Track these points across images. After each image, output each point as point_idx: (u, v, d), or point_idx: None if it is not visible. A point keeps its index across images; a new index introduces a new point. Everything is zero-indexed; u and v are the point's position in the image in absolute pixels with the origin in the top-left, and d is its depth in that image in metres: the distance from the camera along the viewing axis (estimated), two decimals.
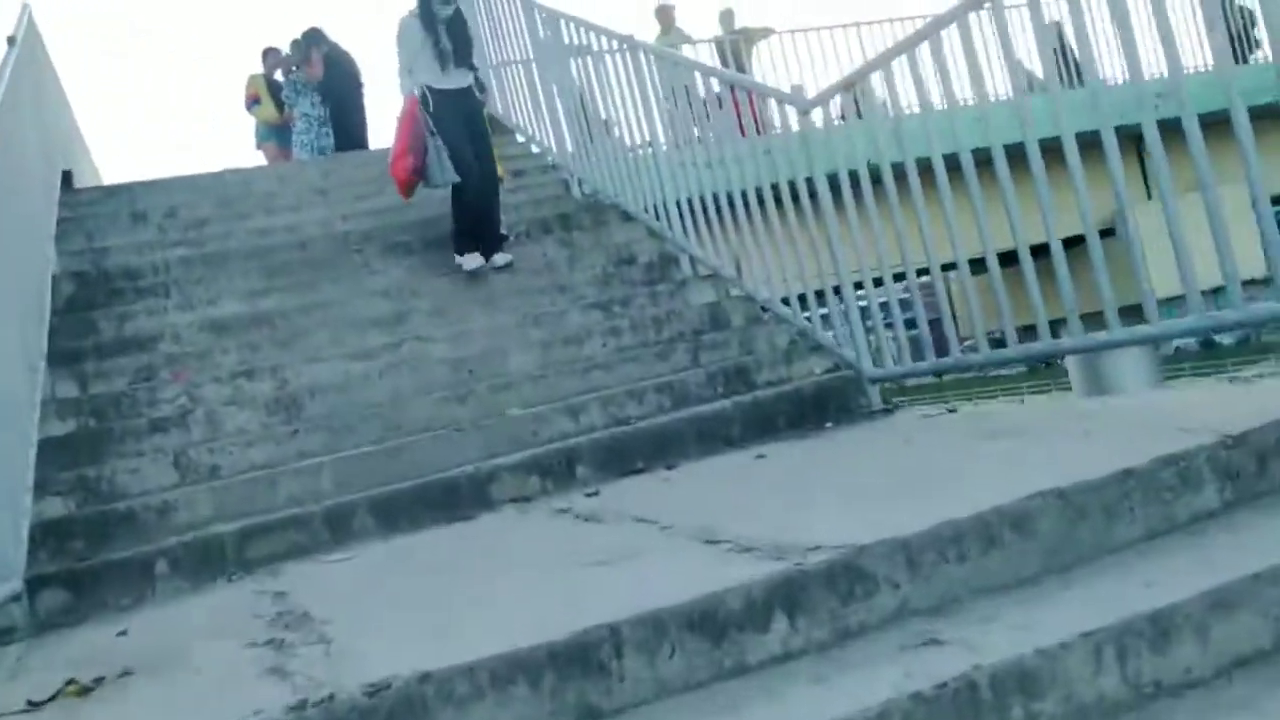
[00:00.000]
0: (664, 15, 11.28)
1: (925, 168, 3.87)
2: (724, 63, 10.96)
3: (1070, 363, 16.51)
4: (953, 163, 3.66)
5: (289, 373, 4.80)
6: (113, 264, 6.03)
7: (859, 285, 4.61)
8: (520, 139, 8.06)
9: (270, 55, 10.40)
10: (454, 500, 3.81)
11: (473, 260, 5.73)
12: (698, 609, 2.08)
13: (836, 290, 4.58)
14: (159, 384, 4.70)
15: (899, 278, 4.28)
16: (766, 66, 11.26)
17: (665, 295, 5.45)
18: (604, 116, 7.29)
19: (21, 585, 3.24)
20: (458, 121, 5.68)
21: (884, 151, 4.11)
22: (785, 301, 4.96)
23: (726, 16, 11.47)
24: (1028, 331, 3.78)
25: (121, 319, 5.37)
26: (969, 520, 2.30)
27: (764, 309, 5.08)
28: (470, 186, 5.79)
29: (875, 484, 3.03)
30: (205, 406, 4.53)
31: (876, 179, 4.17)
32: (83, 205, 6.91)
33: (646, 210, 6.06)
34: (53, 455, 4.09)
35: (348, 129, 9.61)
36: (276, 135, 10.25)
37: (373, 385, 4.65)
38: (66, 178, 7.16)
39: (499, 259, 5.80)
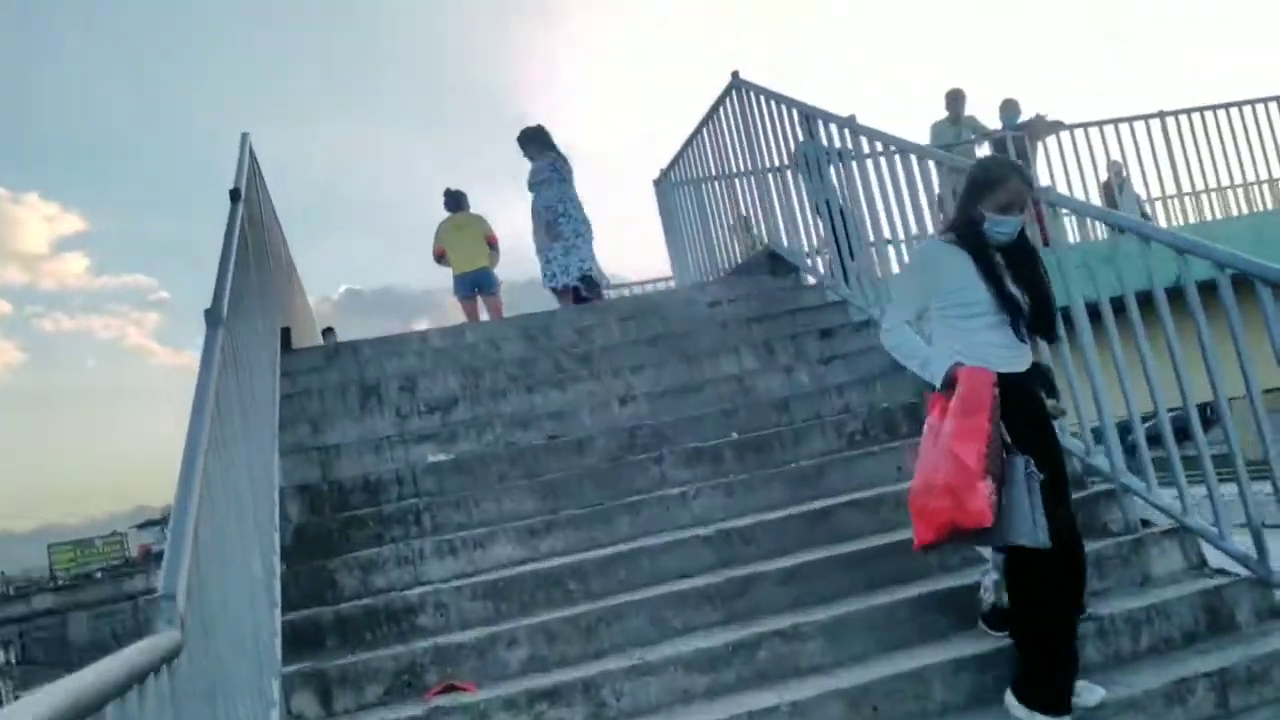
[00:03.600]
0: (954, 102, 9.70)
1: None
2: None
3: None
4: None
5: (608, 692, 3.35)
6: (346, 473, 4.78)
7: None
8: (810, 280, 6.57)
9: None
10: None
11: None
12: None
13: None
14: (429, 710, 3.30)
15: None
16: (1055, 165, 9.51)
17: (1114, 563, 3.80)
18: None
19: None
20: (1027, 434, 3.09)
21: None
22: None
23: (1009, 107, 9.81)
24: None
25: (365, 570, 4.06)
26: None
27: None
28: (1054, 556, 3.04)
29: None
30: None
31: None
32: (302, 374, 5.74)
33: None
34: None
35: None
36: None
37: None
38: (284, 336, 6.02)
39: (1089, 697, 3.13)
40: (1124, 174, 10.26)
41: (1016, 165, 3.30)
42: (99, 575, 43.48)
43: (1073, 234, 8.94)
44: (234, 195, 4.71)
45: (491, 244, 8.72)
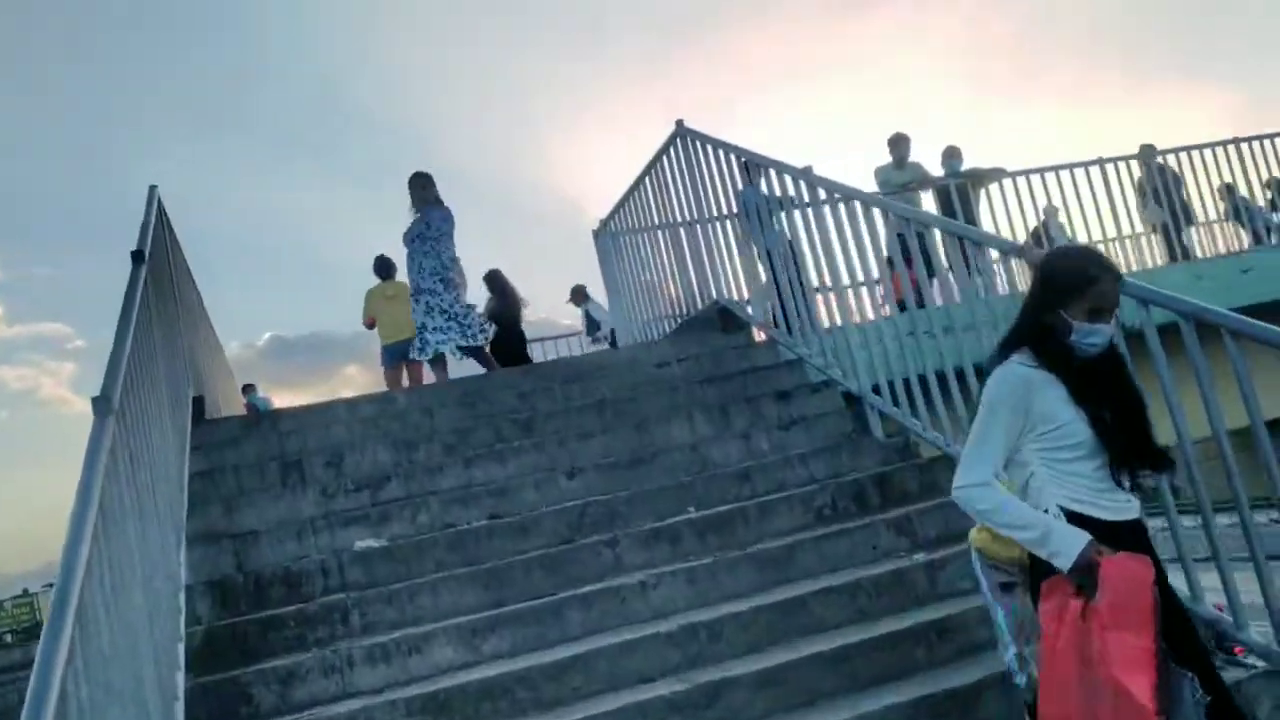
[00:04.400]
0: (898, 145, 9.44)
1: None
2: (948, 207, 9.13)
3: None
4: None
5: None
6: (264, 563, 4.30)
7: None
8: (760, 336, 6.25)
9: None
10: None
11: None
12: None
13: None
14: None
15: None
16: (998, 212, 9.36)
17: None
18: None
19: None
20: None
21: None
22: None
23: (952, 154, 9.65)
24: None
25: (285, 682, 3.58)
26: None
27: None
28: None
29: None
30: None
31: None
32: (217, 448, 5.23)
33: None
34: None
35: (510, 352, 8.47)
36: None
37: None
38: (197, 407, 5.52)
39: None
40: (1057, 218, 10.19)
41: (1105, 260, 2.61)
42: (8, 639, 41.49)
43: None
44: (137, 258, 4.24)
45: None
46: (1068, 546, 2.37)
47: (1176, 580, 3.39)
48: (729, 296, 6.36)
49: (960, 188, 9.31)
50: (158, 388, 3.96)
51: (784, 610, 3.74)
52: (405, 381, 8.14)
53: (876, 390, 4.96)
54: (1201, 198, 10.14)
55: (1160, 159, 10.11)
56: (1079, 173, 9.71)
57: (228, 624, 3.89)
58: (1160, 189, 9.90)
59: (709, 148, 6.21)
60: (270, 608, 4.01)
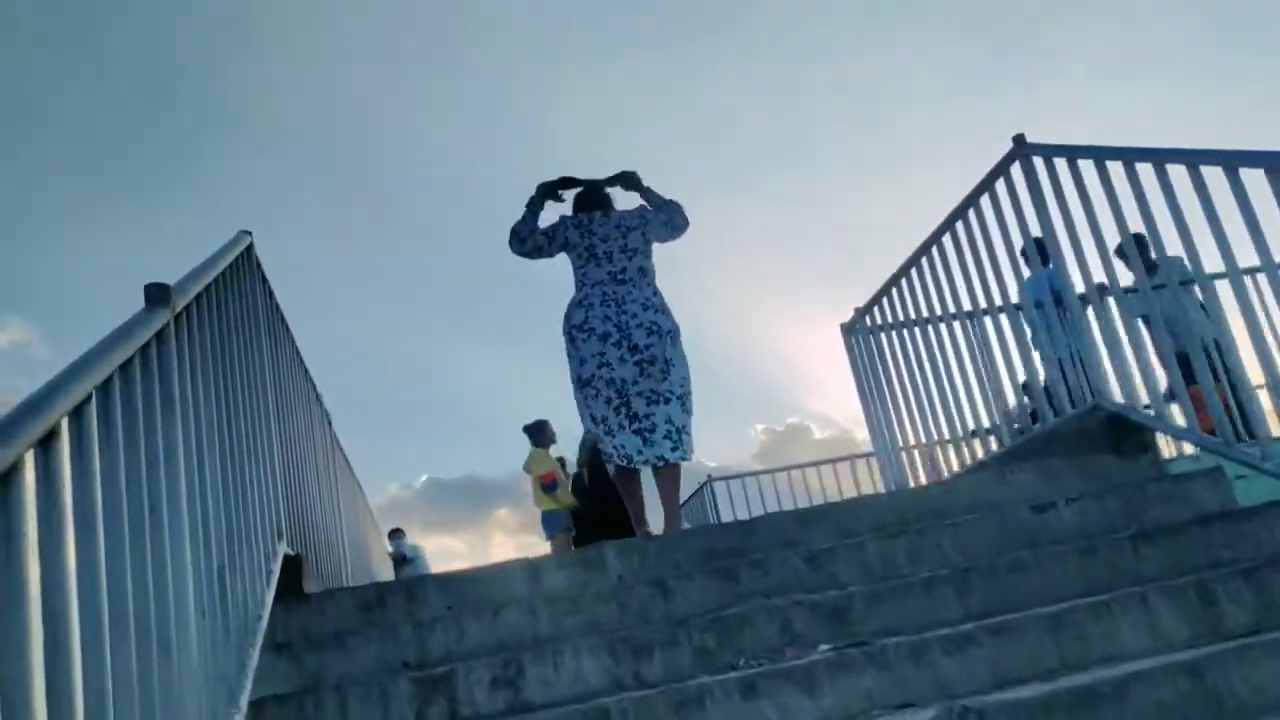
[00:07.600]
0: (1145, 246, 6.70)
1: None
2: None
3: None
4: None
5: None
6: None
7: None
8: (1169, 454, 3.84)
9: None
10: None
11: None
12: None
13: None
14: None
15: None
16: None
17: None
18: None
19: None
20: None
21: None
22: None
23: None
24: None
25: None
26: None
27: None
28: None
29: None
30: None
31: None
32: (311, 648, 3.10)
33: None
34: None
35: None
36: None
37: None
38: (291, 570, 3.43)
39: None
40: None
41: None
42: None
43: None
44: (154, 294, 2.20)
45: (544, 484, 8.25)
46: None
47: None
48: (1117, 397, 4.00)
49: None
50: (182, 529, 1.85)
51: None
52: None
53: None
54: None
55: None
56: None
57: None
58: None
59: (1077, 164, 3.97)
60: None
